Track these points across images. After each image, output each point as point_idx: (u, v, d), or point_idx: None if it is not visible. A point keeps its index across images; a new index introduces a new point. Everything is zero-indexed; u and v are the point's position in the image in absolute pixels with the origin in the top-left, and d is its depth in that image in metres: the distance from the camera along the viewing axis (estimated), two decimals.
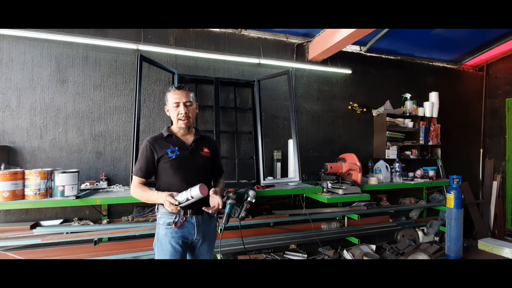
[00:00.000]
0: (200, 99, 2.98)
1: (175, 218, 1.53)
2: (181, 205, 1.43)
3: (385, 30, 3.18)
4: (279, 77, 3.18)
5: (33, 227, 2.31)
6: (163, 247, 1.53)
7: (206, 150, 1.69)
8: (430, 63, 4.19)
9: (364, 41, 3.47)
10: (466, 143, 4.39)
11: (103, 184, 2.54)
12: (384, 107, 3.69)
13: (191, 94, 1.65)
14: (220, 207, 1.52)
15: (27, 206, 2.13)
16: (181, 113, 1.59)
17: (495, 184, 4.24)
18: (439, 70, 4.25)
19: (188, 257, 1.65)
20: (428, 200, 3.91)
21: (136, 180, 1.58)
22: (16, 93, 2.46)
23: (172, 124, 1.72)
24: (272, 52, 3.28)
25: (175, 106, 1.61)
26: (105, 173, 2.63)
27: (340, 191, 2.75)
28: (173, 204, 1.40)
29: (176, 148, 1.59)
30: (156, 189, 1.58)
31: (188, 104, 1.62)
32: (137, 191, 1.56)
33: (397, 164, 3.41)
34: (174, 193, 1.45)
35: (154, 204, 1.67)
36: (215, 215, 1.74)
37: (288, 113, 3.23)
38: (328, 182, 2.86)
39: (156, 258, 1.59)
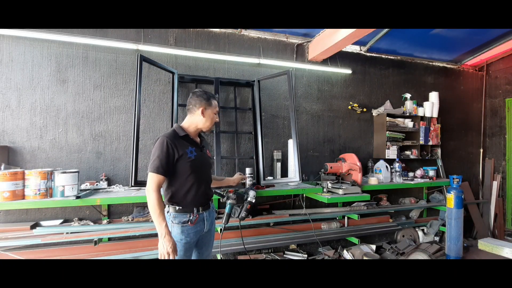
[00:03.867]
0: None
1: (190, 216, 1.61)
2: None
3: (385, 30, 3.18)
4: (279, 77, 3.18)
5: (33, 227, 2.31)
6: (178, 243, 1.58)
7: (207, 151, 1.82)
8: (430, 63, 4.19)
9: (364, 41, 3.47)
10: (466, 143, 4.39)
11: (103, 184, 2.54)
12: (384, 107, 3.69)
13: None
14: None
15: (27, 206, 2.13)
16: (216, 120, 1.74)
17: (495, 184, 4.24)
18: (439, 70, 4.25)
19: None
20: (428, 200, 3.91)
21: (156, 179, 1.51)
22: (16, 93, 2.46)
23: (173, 123, 1.75)
24: (272, 52, 3.28)
25: (215, 114, 1.73)
26: (105, 173, 2.63)
27: (340, 191, 2.75)
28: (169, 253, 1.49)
29: (194, 148, 1.64)
30: (166, 188, 1.62)
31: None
32: (154, 203, 1.49)
33: (397, 164, 3.41)
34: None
35: None
36: (212, 205, 1.80)
37: (288, 113, 3.23)
38: (328, 182, 2.86)
39: (154, 258, 1.62)
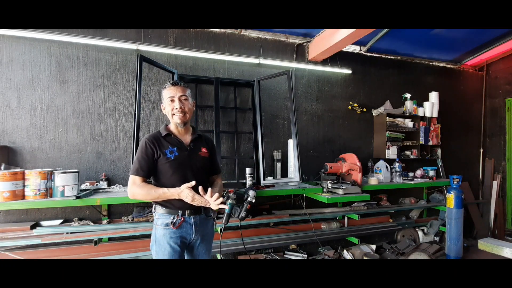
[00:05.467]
0: (200, 99, 2.98)
1: (173, 218, 1.53)
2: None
3: (385, 30, 3.18)
4: (279, 77, 3.18)
5: (33, 227, 2.32)
6: (161, 247, 1.53)
7: (204, 150, 1.66)
8: (430, 63, 4.19)
9: (364, 41, 3.47)
10: (466, 143, 4.39)
11: (103, 184, 2.54)
12: (384, 107, 3.69)
13: (188, 90, 1.63)
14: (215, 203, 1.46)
15: (27, 206, 2.13)
16: (176, 108, 1.56)
17: (495, 184, 4.24)
18: (439, 70, 4.25)
19: (186, 257, 1.65)
20: (428, 200, 3.91)
21: (136, 179, 1.50)
22: (16, 93, 2.46)
23: (170, 123, 1.70)
24: (272, 52, 3.28)
25: (170, 101, 1.58)
26: (105, 173, 2.63)
27: (340, 191, 2.75)
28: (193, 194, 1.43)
29: (175, 148, 1.56)
30: None
31: (183, 98, 1.58)
32: (142, 191, 1.48)
33: (397, 164, 3.41)
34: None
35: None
36: (212, 214, 1.73)
37: (288, 113, 3.23)
38: (328, 182, 2.86)
39: (153, 259, 1.59)
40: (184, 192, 1.44)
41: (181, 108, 1.56)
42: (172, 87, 1.59)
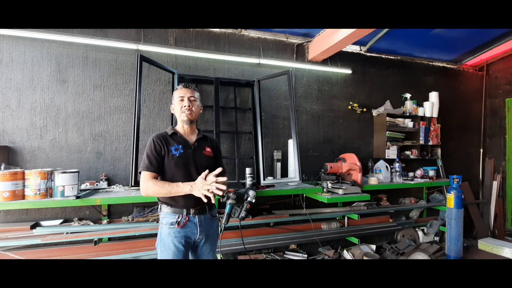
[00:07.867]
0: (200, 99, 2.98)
1: (178, 218, 1.55)
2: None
3: (385, 30, 3.18)
4: (279, 77, 3.18)
5: (33, 227, 2.32)
6: (166, 246, 1.55)
7: (208, 149, 1.72)
8: (430, 63, 4.19)
9: (364, 41, 3.47)
10: (466, 143, 4.39)
11: (103, 184, 2.54)
12: (384, 107, 3.69)
13: (196, 93, 1.74)
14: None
15: (27, 206, 2.13)
16: (184, 106, 1.65)
17: (495, 184, 4.24)
18: (439, 70, 4.25)
19: (190, 256, 1.67)
20: (428, 200, 3.91)
21: (148, 175, 1.54)
22: (16, 93, 2.46)
23: (174, 125, 1.74)
24: (272, 52, 3.28)
25: (179, 100, 1.67)
26: (105, 173, 2.63)
27: (340, 191, 2.75)
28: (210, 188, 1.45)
29: (180, 146, 1.62)
30: None
31: (192, 99, 1.69)
32: (155, 187, 1.51)
33: (397, 164, 3.41)
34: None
35: (155, 204, 1.67)
36: (217, 214, 1.75)
37: (288, 113, 3.23)
38: (328, 182, 2.86)
39: (159, 257, 1.60)
40: (200, 191, 1.47)
41: (189, 106, 1.66)
42: (183, 89, 1.71)
